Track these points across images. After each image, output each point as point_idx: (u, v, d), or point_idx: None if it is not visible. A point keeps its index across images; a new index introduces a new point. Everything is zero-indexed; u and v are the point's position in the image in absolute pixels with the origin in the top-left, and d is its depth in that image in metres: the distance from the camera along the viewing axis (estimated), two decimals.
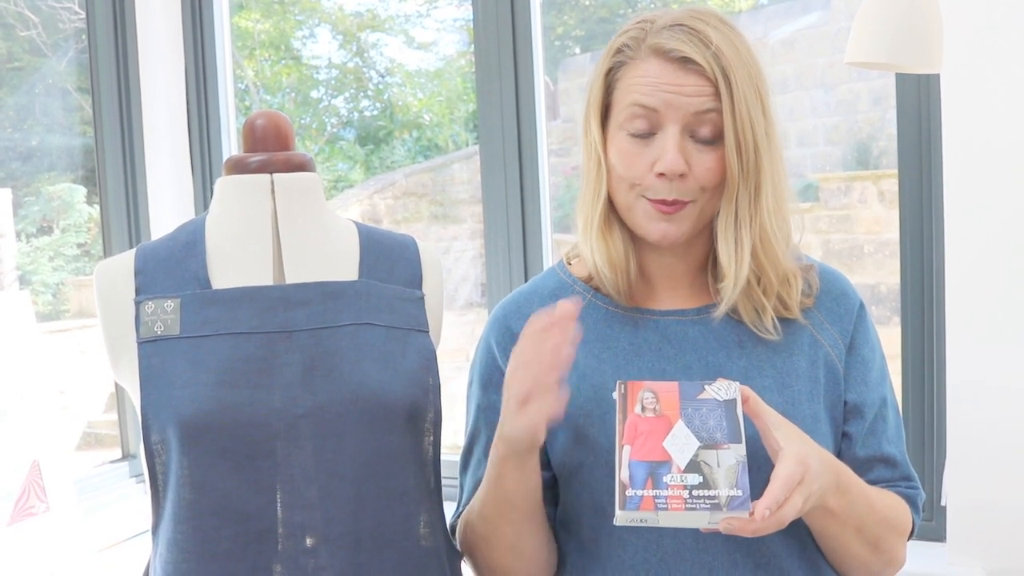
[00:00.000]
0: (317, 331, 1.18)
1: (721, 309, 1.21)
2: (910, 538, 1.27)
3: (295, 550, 1.14)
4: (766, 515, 0.97)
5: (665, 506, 0.97)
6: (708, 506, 0.97)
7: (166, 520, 1.16)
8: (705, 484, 0.99)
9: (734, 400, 1.05)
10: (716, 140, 1.15)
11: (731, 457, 1.00)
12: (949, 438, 1.96)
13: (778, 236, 1.20)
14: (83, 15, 2.79)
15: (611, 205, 1.22)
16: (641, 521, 0.98)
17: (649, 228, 1.18)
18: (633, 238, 1.24)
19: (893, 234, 2.24)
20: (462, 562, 1.30)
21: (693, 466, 1.00)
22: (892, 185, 2.36)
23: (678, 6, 1.17)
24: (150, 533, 1.20)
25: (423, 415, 1.21)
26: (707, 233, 1.23)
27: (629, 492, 0.98)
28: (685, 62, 1.14)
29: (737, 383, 1.07)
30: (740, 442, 1.02)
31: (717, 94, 1.13)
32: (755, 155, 1.15)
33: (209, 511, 1.13)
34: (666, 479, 0.99)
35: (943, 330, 2.01)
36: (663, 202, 1.16)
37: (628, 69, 1.17)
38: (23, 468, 2.11)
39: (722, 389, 1.06)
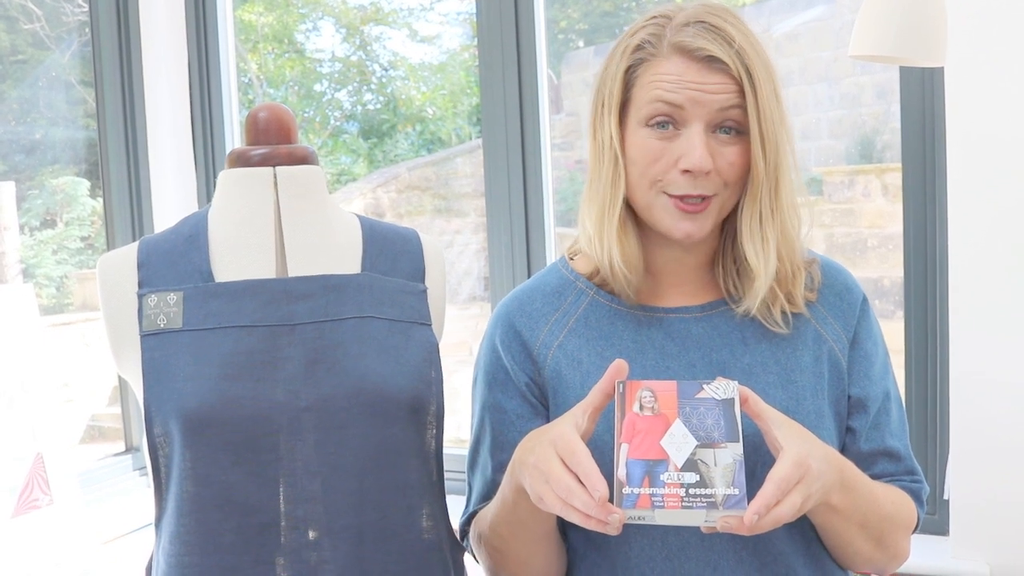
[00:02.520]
0: (320, 324, 1.18)
1: (744, 306, 1.21)
2: (914, 532, 1.27)
3: (298, 543, 1.14)
4: (754, 520, 0.97)
5: (661, 504, 0.97)
6: (704, 504, 0.97)
7: (169, 513, 1.16)
8: (702, 483, 0.99)
9: (732, 399, 1.05)
10: (738, 135, 1.15)
11: (728, 456, 1.00)
12: (952, 432, 1.96)
13: (795, 228, 1.20)
14: (86, 8, 2.79)
15: (625, 202, 1.21)
16: (638, 519, 0.98)
17: (673, 227, 1.17)
18: (642, 235, 1.24)
19: (897, 228, 2.23)
20: (464, 556, 1.30)
21: (690, 465, 1.00)
22: (896, 179, 2.36)
23: (684, 0, 1.16)
24: (153, 526, 1.21)
25: (426, 408, 1.21)
26: (716, 229, 1.23)
27: (626, 490, 0.99)
28: (711, 61, 1.13)
29: (735, 382, 1.07)
30: (737, 441, 1.01)
31: (740, 91, 1.13)
32: (776, 150, 1.15)
33: (212, 504, 1.13)
34: (663, 477, 0.99)
35: (946, 324, 2.01)
36: (686, 197, 1.15)
37: (649, 66, 1.16)
38: (27, 461, 2.12)
39: (720, 388, 1.06)
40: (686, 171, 1.14)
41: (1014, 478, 1.91)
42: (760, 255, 1.18)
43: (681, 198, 1.16)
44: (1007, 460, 1.91)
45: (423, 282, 1.28)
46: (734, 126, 1.15)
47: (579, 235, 1.28)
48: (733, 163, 1.15)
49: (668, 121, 1.15)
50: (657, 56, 1.16)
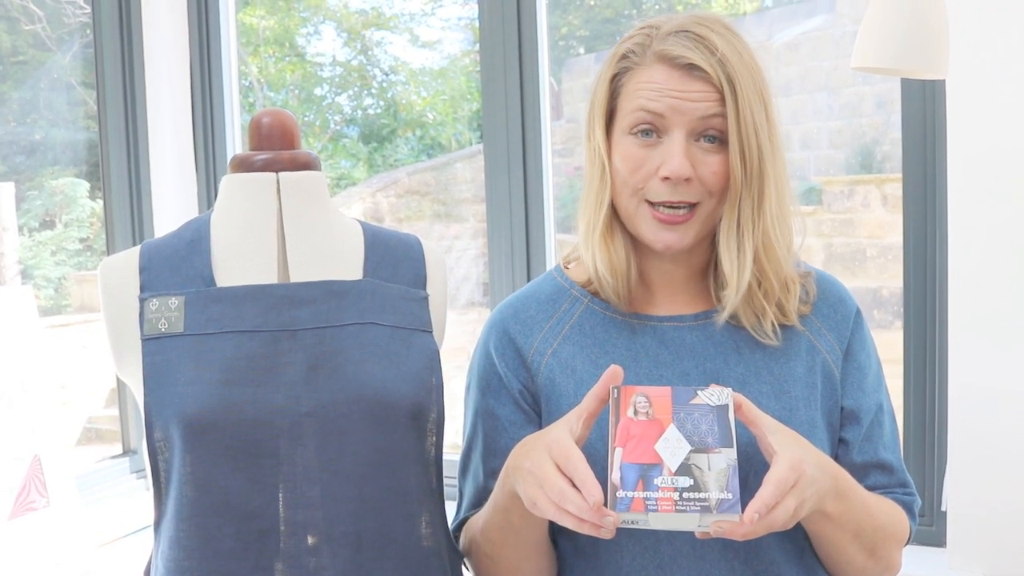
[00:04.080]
0: (321, 330, 1.18)
1: (723, 315, 1.21)
2: (906, 544, 1.27)
3: (297, 549, 1.14)
4: (755, 519, 0.97)
5: (655, 507, 0.98)
6: (698, 508, 0.97)
7: (168, 518, 1.16)
8: (696, 487, 0.99)
9: (726, 405, 1.06)
10: (721, 144, 1.16)
11: (722, 461, 1.01)
12: (950, 443, 1.96)
13: (781, 241, 1.20)
14: (88, 10, 2.80)
15: (614, 210, 1.22)
16: (632, 523, 0.99)
17: (653, 237, 1.18)
18: (634, 243, 1.24)
19: (896, 238, 2.24)
20: (463, 563, 1.30)
21: (684, 469, 1.00)
22: (895, 189, 2.36)
23: (683, 8, 1.18)
24: (152, 529, 1.20)
25: (426, 415, 1.21)
26: (708, 239, 1.23)
27: (620, 493, 0.99)
28: (691, 69, 1.14)
29: (729, 389, 1.07)
30: (731, 446, 1.02)
31: (722, 100, 1.14)
32: (759, 160, 1.15)
33: (211, 509, 1.13)
34: (657, 481, 0.99)
35: (945, 335, 2.01)
36: (667, 204, 1.16)
37: (633, 75, 1.17)
38: (24, 463, 2.11)
39: (714, 395, 1.07)
40: (666, 178, 1.15)
41: (1012, 489, 1.91)
42: (734, 264, 1.18)
43: (661, 206, 1.16)
44: (1005, 471, 1.91)
45: (424, 289, 1.28)
46: (717, 135, 1.16)
47: (577, 242, 1.29)
48: (716, 172, 1.16)
49: (651, 129, 1.16)
50: (641, 65, 1.17)
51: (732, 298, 1.19)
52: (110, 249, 2.81)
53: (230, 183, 1.26)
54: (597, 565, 1.21)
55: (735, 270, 1.18)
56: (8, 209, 2.77)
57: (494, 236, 2.56)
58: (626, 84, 1.18)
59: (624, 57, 1.19)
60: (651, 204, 1.17)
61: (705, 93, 1.14)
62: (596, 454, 1.10)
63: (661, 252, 1.19)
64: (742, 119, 1.14)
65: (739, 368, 1.21)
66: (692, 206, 1.17)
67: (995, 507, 1.92)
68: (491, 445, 1.26)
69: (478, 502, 1.27)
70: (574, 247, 1.31)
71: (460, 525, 1.30)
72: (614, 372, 1.08)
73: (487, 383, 1.28)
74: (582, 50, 3.11)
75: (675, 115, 1.14)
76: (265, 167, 1.25)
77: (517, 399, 1.26)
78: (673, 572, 1.17)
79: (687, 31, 1.16)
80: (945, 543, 2.03)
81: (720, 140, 1.16)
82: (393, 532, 1.17)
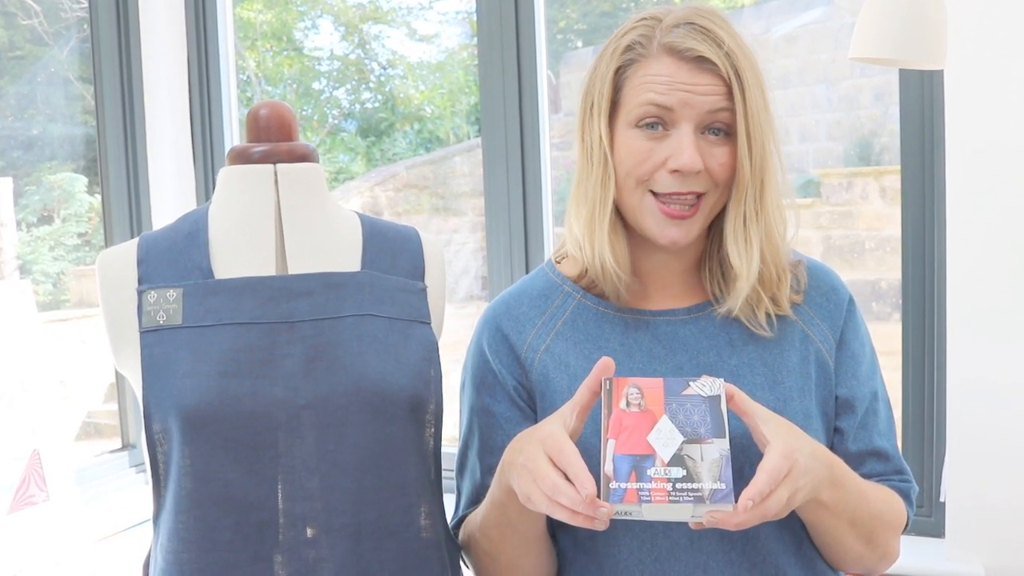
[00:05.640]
0: (319, 322, 1.18)
1: (728, 307, 1.21)
2: (904, 532, 1.27)
3: (296, 541, 1.14)
4: (748, 507, 0.97)
5: (649, 498, 0.98)
6: (691, 499, 0.98)
7: (167, 510, 1.16)
8: (689, 477, 0.99)
9: (718, 396, 1.06)
10: (726, 136, 1.16)
11: (715, 451, 1.01)
12: (949, 434, 1.97)
13: (780, 231, 1.21)
14: (85, 4, 2.79)
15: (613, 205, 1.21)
16: (625, 514, 0.99)
17: (659, 233, 1.18)
18: (628, 237, 1.24)
19: (894, 230, 2.24)
20: (461, 554, 1.30)
21: (677, 460, 1.01)
22: (894, 181, 2.36)
23: (679, 0, 1.17)
24: (151, 522, 1.21)
25: (424, 406, 1.21)
26: (703, 232, 1.23)
27: (613, 485, 0.99)
28: (700, 62, 1.14)
29: (721, 380, 1.08)
30: (724, 437, 1.02)
31: (729, 93, 1.14)
32: (763, 152, 1.16)
33: (210, 501, 1.13)
34: (650, 472, 1.00)
35: (944, 326, 2.01)
36: (673, 195, 1.16)
37: (639, 67, 1.16)
38: (23, 457, 2.11)
39: (706, 385, 1.07)
40: (675, 171, 1.14)
41: (1010, 480, 1.91)
42: (743, 256, 1.18)
43: (667, 197, 1.16)
44: (1003, 463, 1.91)
45: (423, 280, 1.28)
46: (723, 128, 1.16)
47: (566, 237, 1.28)
48: (723, 164, 1.16)
49: (658, 122, 1.15)
50: (647, 57, 1.16)
51: (744, 290, 1.19)
52: (108, 244, 2.81)
53: (228, 175, 1.26)
54: (596, 559, 1.21)
55: (744, 262, 1.18)
56: (6, 204, 2.77)
57: (492, 230, 2.56)
58: (631, 77, 1.17)
59: (629, 49, 1.18)
60: (655, 195, 1.17)
61: (713, 86, 1.14)
62: (592, 448, 1.10)
63: (666, 247, 1.19)
64: (750, 112, 1.14)
65: (733, 360, 1.21)
66: (699, 196, 1.17)
67: (993, 498, 1.93)
68: (487, 442, 1.26)
69: (476, 499, 1.27)
70: (563, 242, 1.31)
71: (459, 523, 1.30)
72: (605, 364, 1.08)
73: (482, 380, 1.28)
74: (580, 43, 3.11)
75: (684, 108, 1.14)
76: (263, 159, 1.25)
77: (512, 395, 1.26)
78: (671, 564, 1.18)
79: (692, 23, 1.15)
80: (944, 534, 2.03)
81: (726, 132, 1.16)
82: (392, 523, 1.17)
